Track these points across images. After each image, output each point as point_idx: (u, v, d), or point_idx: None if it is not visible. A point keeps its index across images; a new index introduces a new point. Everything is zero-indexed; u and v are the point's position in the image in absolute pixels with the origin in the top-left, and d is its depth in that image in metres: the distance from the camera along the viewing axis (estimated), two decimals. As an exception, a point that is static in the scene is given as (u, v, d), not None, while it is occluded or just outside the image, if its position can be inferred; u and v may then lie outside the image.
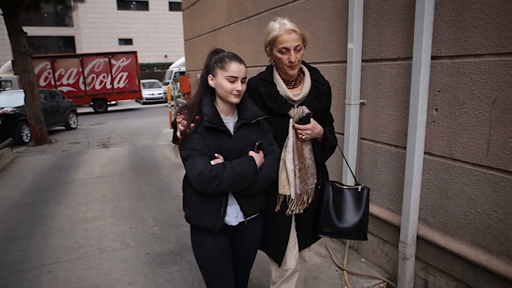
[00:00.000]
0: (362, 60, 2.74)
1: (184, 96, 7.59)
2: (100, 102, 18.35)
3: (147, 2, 32.14)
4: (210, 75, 1.65)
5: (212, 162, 1.59)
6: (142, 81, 21.38)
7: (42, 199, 4.90)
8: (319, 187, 1.92)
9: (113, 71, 18.05)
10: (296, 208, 1.86)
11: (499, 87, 1.90)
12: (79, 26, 30.51)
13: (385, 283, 2.69)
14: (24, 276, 2.96)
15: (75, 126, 12.98)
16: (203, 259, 1.78)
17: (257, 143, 1.68)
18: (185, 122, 1.63)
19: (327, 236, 1.97)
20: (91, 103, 18.20)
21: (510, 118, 1.87)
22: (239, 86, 1.62)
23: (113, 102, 19.84)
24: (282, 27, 1.67)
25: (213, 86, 1.65)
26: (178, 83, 8.70)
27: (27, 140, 10.09)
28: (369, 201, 1.89)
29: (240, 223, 1.72)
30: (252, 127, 1.70)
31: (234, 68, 1.60)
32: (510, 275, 1.93)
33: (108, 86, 18.13)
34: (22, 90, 9.75)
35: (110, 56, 18.05)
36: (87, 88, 17.69)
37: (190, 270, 2.94)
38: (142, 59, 28.70)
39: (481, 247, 2.10)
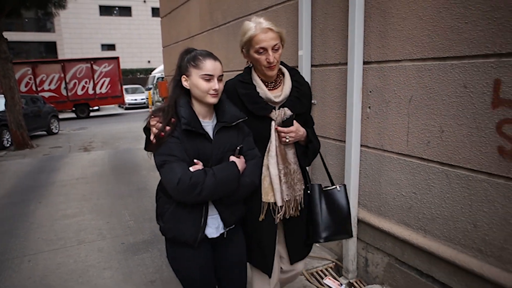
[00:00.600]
0: (312, 65, 3.09)
1: (163, 100, 7.86)
2: (82, 108, 18.41)
3: (130, 8, 32.25)
4: (184, 75, 1.56)
5: (191, 169, 1.49)
6: (125, 86, 21.55)
7: (23, 199, 5.12)
8: (308, 192, 1.86)
9: (95, 76, 18.17)
10: (287, 215, 1.79)
11: (413, 87, 2.27)
12: (61, 32, 30.42)
13: (334, 263, 3.03)
14: (6, 265, 3.20)
15: (56, 131, 13.07)
16: (183, 275, 1.68)
17: (238, 148, 1.60)
18: (160, 125, 1.51)
19: (324, 241, 1.91)
20: (73, 109, 18.28)
21: (422, 113, 2.23)
22: (216, 85, 1.53)
23: (96, 108, 19.91)
24: (258, 26, 1.60)
25: (187, 87, 1.56)
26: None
27: (8, 145, 10.18)
28: (348, 198, 1.93)
29: (221, 234, 1.64)
30: (232, 131, 1.62)
31: (209, 65, 1.52)
32: (426, 246, 2.28)
33: (90, 91, 18.24)
34: (2, 96, 9.87)
35: (92, 62, 18.18)
36: (69, 94, 17.76)
37: (161, 256, 3.23)
38: (125, 64, 28.80)
39: (405, 224, 2.45)
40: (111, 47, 32.15)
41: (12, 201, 5.08)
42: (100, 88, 18.45)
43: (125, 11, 32.63)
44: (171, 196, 1.52)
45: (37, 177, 6.41)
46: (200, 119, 1.57)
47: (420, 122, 2.26)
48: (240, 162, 1.58)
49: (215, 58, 1.55)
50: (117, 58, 18.79)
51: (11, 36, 9.51)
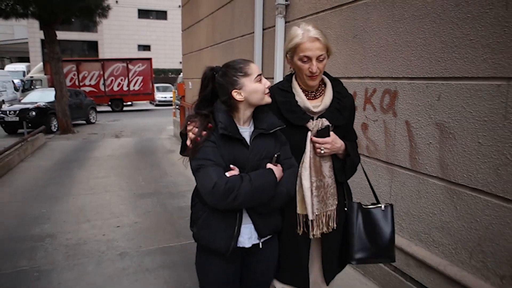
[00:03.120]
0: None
1: (180, 98, 9.53)
2: (117, 102, 20.57)
3: (166, 12, 34.61)
4: (235, 90, 1.49)
5: (227, 174, 1.45)
6: (156, 85, 23.60)
7: (67, 167, 6.92)
8: (345, 209, 1.76)
9: (130, 75, 20.26)
10: (317, 232, 1.69)
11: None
12: (102, 32, 33.07)
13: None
14: (61, 199, 4.92)
15: (94, 121, 15.14)
16: (208, 285, 1.65)
17: (275, 155, 1.56)
18: (196, 130, 1.50)
19: (359, 263, 1.81)
20: (109, 103, 20.45)
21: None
22: (267, 82, 1.55)
23: (129, 103, 22.05)
24: (305, 34, 1.57)
25: (241, 100, 1.51)
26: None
27: (55, 130, 12.22)
28: (394, 219, 1.77)
29: (253, 245, 1.58)
30: (269, 138, 1.57)
31: (254, 67, 1.53)
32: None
33: (125, 88, 20.34)
34: (52, 88, 11.88)
35: (128, 62, 20.29)
36: (106, 89, 19.93)
37: (158, 200, 4.85)
38: (159, 64, 31.00)
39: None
40: (147, 47, 34.63)
41: (61, 167, 6.90)
42: (134, 86, 20.52)
43: (161, 15, 35.05)
44: (205, 202, 1.49)
45: (78, 153, 8.26)
46: (238, 126, 1.54)
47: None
48: (277, 170, 1.53)
49: (249, 60, 1.58)
50: (150, 59, 20.85)
51: (59, 35, 11.35)
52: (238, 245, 1.54)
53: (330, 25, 3.22)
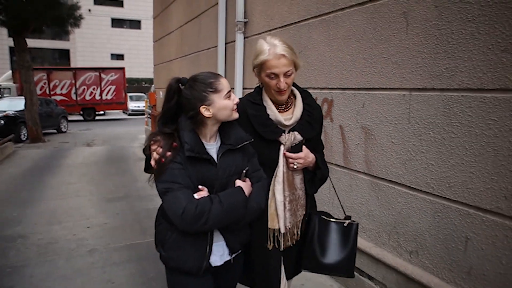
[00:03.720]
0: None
1: (151, 107, 9.78)
2: (89, 111, 20.49)
3: (140, 21, 34.71)
4: (203, 106, 1.44)
5: (196, 196, 1.41)
6: (130, 94, 23.67)
7: (38, 173, 7.04)
8: (306, 218, 1.80)
9: (103, 84, 20.29)
10: (287, 243, 1.73)
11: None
12: (75, 41, 32.82)
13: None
14: (32, 204, 5.09)
15: (65, 130, 15.09)
16: None
17: (244, 170, 1.54)
18: (160, 149, 1.44)
19: (309, 271, 1.83)
20: (81, 112, 20.35)
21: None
22: (236, 98, 1.52)
23: (102, 112, 21.97)
24: (271, 50, 1.55)
25: (210, 116, 1.46)
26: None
27: (24, 138, 12.15)
28: (357, 237, 1.78)
29: (225, 262, 1.57)
30: (237, 153, 1.53)
31: (224, 82, 1.48)
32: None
33: (97, 97, 20.33)
34: (21, 97, 11.84)
35: (100, 71, 20.33)
36: (78, 98, 19.87)
37: (126, 203, 5.10)
38: (132, 73, 31.00)
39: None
40: (120, 56, 34.56)
41: (32, 173, 7.02)
42: (106, 95, 20.55)
43: (135, 24, 35.12)
44: (173, 223, 1.45)
45: (49, 161, 8.35)
46: (204, 142, 1.49)
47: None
48: (246, 186, 1.51)
49: (219, 74, 1.52)
50: (122, 69, 20.96)
51: (29, 42, 11.32)
52: (210, 264, 1.51)
53: (280, 41, 3.63)
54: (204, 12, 5.64)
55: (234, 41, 4.47)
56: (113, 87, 20.54)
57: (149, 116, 10.13)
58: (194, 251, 1.49)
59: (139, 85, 31.79)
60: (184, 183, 1.41)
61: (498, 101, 1.82)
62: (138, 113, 23.88)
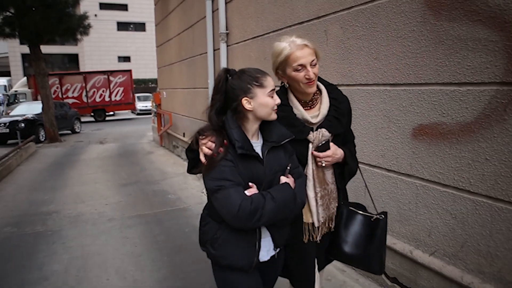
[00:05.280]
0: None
1: (156, 106, 10.78)
2: (100, 112, 21.67)
3: (144, 24, 35.81)
4: (245, 98, 1.46)
5: (247, 193, 1.43)
6: (137, 94, 24.78)
7: (60, 167, 8.11)
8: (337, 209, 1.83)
9: (111, 86, 21.43)
10: (321, 236, 1.78)
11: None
12: (83, 45, 33.94)
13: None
14: (57, 190, 6.13)
15: (79, 130, 16.25)
16: None
17: (288, 167, 1.56)
18: (212, 144, 1.44)
19: (337, 260, 1.90)
20: (92, 113, 21.53)
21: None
22: (278, 99, 1.53)
23: (111, 113, 23.13)
24: (292, 44, 1.59)
25: (250, 109, 1.47)
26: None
27: (43, 139, 13.29)
28: (385, 234, 1.76)
29: (271, 257, 1.60)
30: (279, 150, 1.56)
31: (270, 80, 1.50)
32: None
33: (107, 99, 21.48)
34: (37, 102, 12.94)
35: (109, 74, 21.47)
36: (89, 100, 21.04)
37: (137, 187, 6.12)
38: (139, 74, 32.13)
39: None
40: (127, 59, 35.73)
41: (54, 168, 8.10)
42: (115, 96, 21.69)
43: (140, 26, 36.25)
44: (222, 221, 1.49)
45: (67, 157, 9.44)
46: (251, 141, 1.51)
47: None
48: (292, 182, 1.53)
49: (266, 72, 1.53)
50: (130, 71, 22.06)
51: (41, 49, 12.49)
52: (259, 260, 1.55)
53: (251, 49, 4.58)
54: (196, 23, 6.60)
55: (219, 48, 5.43)
56: (121, 89, 21.67)
57: (155, 114, 11.11)
58: (246, 248, 1.52)
59: (146, 86, 32.91)
60: (236, 181, 1.43)
61: (376, 92, 2.75)
62: (146, 112, 24.97)
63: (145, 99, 25.84)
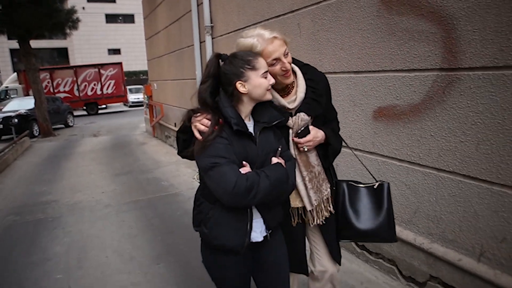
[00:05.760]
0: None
1: (147, 98, 10.99)
2: (92, 106, 21.79)
3: (133, 15, 35.61)
4: (239, 81, 1.47)
5: (242, 171, 1.43)
6: (128, 87, 24.85)
7: (55, 160, 8.36)
8: (333, 188, 1.81)
9: (102, 79, 21.52)
10: (318, 220, 1.76)
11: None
12: (72, 39, 33.59)
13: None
14: (55, 182, 6.40)
15: (72, 124, 16.41)
16: (223, 282, 1.64)
17: (279, 149, 1.57)
18: (207, 121, 1.45)
19: (348, 241, 1.88)
20: (84, 107, 21.64)
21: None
22: (272, 78, 1.53)
23: (104, 106, 23.25)
24: (260, 39, 1.54)
25: (244, 92, 1.48)
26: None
27: (37, 134, 13.47)
28: (391, 198, 1.75)
29: (264, 237, 1.60)
30: (269, 132, 1.58)
31: (262, 62, 1.50)
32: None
33: (98, 92, 21.59)
34: (29, 97, 13.08)
35: (99, 67, 21.53)
36: (81, 94, 21.15)
37: (131, 176, 6.40)
38: (130, 67, 32.10)
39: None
40: (117, 51, 35.61)
41: (50, 161, 8.35)
42: (107, 89, 21.79)
43: (129, 18, 36.04)
44: (215, 202, 1.50)
45: (62, 151, 9.67)
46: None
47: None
48: (283, 163, 1.54)
49: (258, 54, 1.53)
50: (120, 63, 22.14)
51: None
52: (251, 240, 1.55)
53: (234, 41, 4.81)
54: (182, 16, 6.82)
55: (205, 41, 5.67)
56: (113, 82, 21.77)
57: (147, 106, 11.33)
58: (237, 229, 1.52)
59: (137, 78, 32.87)
60: (231, 158, 1.42)
61: (343, 79, 3.05)
62: (138, 104, 25.05)
63: (137, 91, 25.92)
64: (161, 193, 5.30)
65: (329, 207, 1.78)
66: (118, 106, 25.95)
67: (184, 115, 1.54)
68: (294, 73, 1.70)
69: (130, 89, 25.03)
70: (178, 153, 1.63)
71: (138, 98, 25.02)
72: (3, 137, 12.69)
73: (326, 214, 1.78)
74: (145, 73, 33.88)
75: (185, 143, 1.57)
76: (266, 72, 1.51)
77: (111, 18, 35.70)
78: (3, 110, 15.13)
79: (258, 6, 4.14)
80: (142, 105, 24.82)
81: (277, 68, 1.57)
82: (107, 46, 35.40)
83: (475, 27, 2.01)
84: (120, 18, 36.12)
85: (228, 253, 1.56)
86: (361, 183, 1.80)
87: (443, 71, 2.21)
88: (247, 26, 4.48)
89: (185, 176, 6.09)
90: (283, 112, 1.63)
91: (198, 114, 1.49)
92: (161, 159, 7.65)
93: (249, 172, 1.44)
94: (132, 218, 4.42)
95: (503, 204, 2.00)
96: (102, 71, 21.46)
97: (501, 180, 1.99)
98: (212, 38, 5.56)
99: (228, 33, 5.00)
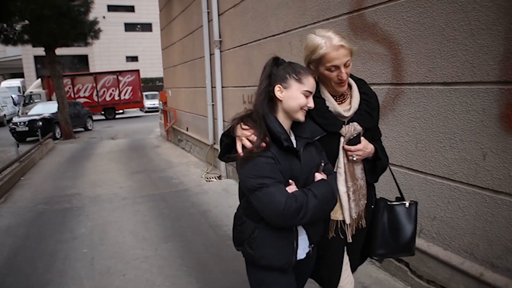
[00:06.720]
0: (212, 87, 6.86)
1: (162, 104, 11.73)
2: (110, 111, 22.78)
3: (151, 24, 36.84)
4: (279, 85, 1.46)
5: (289, 190, 1.40)
6: (145, 93, 25.81)
7: (76, 160, 9.12)
8: (372, 206, 1.80)
9: (120, 85, 22.52)
10: (353, 232, 1.74)
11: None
12: (92, 46, 34.98)
13: (219, 175, 6.74)
14: (77, 178, 7.11)
15: (91, 128, 17.33)
16: None
17: (322, 164, 1.54)
18: (254, 137, 1.41)
19: (379, 258, 1.90)
20: (103, 112, 22.64)
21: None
22: (311, 102, 1.49)
23: (121, 111, 24.21)
24: (328, 43, 1.53)
25: (280, 98, 1.47)
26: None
27: (59, 136, 14.35)
28: (417, 216, 1.81)
29: (307, 254, 1.58)
30: (311, 146, 1.55)
31: (312, 82, 1.49)
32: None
33: (116, 97, 22.58)
34: (52, 102, 14.01)
35: (118, 74, 22.55)
36: (99, 100, 22.16)
37: (146, 174, 7.06)
38: (146, 73, 33.14)
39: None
40: (135, 58, 36.83)
41: (72, 160, 9.11)
42: (124, 95, 22.77)
43: (147, 27, 37.30)
44: (259, 221, 1.47)
45: (83, 152, 10.45)
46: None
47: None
48: (326, 178, 1.52)
49: (311, 74, 1.52)
50: (137, 71, 23.14)
51: None
52: (297, 258, 1.52)
53: (239, 55, 5.48)
54: (195, 30, 7.51)
55: (214, 54, 6.33)
56: (130, 88, 22.75)
57: (162, 111, 12.05)
58: (284, 247, 1.50)
59: (153, 84, 33.91)
60: (278, 178, 1.40)
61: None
62: (153, 110, 25.88)
63: (153, 97, 26.75)
64: (171, 189, 5.94)
65: (361, 221, 1.77)
66: (134, 112, 26.90)
67: (232, 119, 1.54)
68: (350, 85, 1.72)
69: (146, 95, 25.96)
70: (219, 157, 1.63)
71: (154, 104, 25.85)
72: (28, 139, 13.60)
73: (355, 230, 1.78)
74: (161, 80, 34.87)
75: (227, 147, 1.55)
76: (310, 93, 1.50)
77: (129, 27, 37.02)
78: (29, 113, 16.14)
79: (258, 25, 4.78)
80: (157, 111, 25.77)
81: (333, 74, 1.58)
82: (125, 54, 36.66)
83: (413, 52, 2.58)
84: (138, 26, 37.42)
85: (275, 271, 1.54)
86: (392, 201, 1.83)
87: (392, 85, 2.78)
88: (250, 42, 5.11)
89: (194, 175, 6.72)
90: (336, 120, 1.65)
91: (247, 127, 1.46)
92: (173, 160, 8.31)
93: (296, 191, 1.42)
94: (146, 208, 5.06)
95: (433, 189, 2.56)
96: (120, 78, 22.46)
97: (432, 171, 2.55)
98: (221, 51, 6.21)
99: (234, 47, 5.64)
